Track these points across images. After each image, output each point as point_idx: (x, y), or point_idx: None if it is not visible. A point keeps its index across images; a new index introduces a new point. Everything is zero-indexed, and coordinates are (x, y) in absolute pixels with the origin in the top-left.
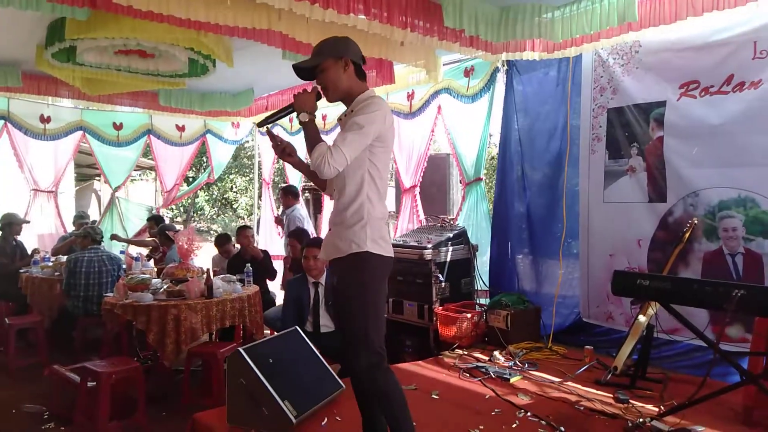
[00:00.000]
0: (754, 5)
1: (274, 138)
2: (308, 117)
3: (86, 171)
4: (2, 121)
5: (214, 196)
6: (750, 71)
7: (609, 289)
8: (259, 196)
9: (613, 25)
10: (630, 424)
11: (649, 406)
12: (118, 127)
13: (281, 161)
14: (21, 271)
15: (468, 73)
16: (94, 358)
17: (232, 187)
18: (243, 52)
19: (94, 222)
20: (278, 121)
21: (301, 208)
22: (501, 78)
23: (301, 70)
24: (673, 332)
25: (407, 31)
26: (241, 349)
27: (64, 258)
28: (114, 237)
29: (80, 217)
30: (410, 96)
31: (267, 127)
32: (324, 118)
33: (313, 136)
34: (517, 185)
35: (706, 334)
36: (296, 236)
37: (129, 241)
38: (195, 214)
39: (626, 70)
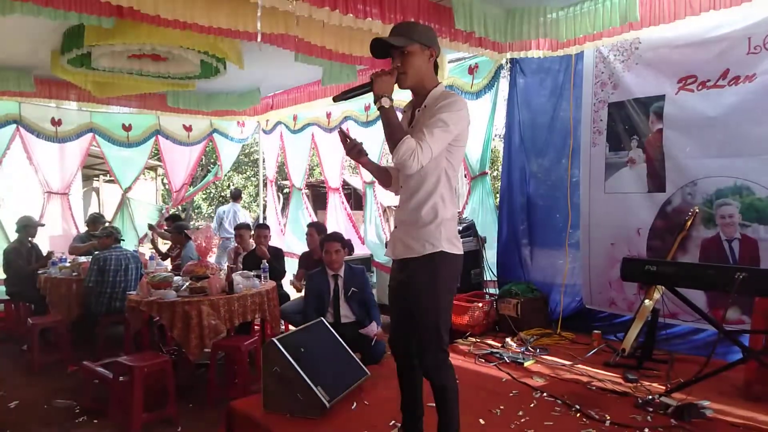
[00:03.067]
0: (748, 5)
1: (346, 138)
2: (389, 102)
3: (86, 172)
4: (14, 125)
5: (211, 195)
6: (744, 66)
7: (611, 277)
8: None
9: (615, 25)
10: (640, 401)
11: (656, 384)
12: (127, 128)
13: (284, 160)
14: (39, 272)
15: (472, 70)
16: (119, 354)
17: (229, 185)
18: (251, 54)
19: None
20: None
21: (228, 207)
22: (504, 75)
23: (381, 46)
24: (673, 316)
25: None
26: (275, 339)
27: (81, 258)
28: (151, 227)
29: (95, 218)
30: None
31: (340, 128)
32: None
33: (394, 124)
34: (521, 178)
35: None
36: (315, 227)
37: (160, 234)
38: (193, 212)
39: (626, 66)
